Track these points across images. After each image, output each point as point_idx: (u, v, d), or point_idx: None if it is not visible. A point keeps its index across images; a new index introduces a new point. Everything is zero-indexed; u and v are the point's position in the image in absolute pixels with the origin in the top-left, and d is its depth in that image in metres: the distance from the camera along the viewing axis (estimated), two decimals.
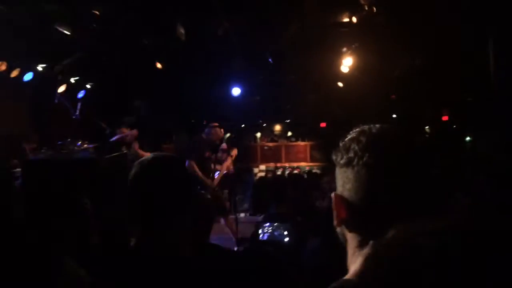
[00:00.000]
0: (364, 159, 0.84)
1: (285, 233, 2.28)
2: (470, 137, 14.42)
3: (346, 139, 0.91)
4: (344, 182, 0.88)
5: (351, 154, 0.87)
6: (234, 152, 6.63)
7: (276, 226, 2.24)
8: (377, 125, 0.92)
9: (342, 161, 0.89)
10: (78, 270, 1.76)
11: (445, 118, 12.59)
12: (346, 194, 0.87)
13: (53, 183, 2.75)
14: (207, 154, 6.09)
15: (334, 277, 0.90)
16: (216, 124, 6.26)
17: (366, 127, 0.91)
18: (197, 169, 5.79)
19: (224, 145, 6.53)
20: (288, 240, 2.40)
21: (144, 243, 1.42)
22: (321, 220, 2.96)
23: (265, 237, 2.40)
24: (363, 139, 0.87)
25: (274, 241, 2.35)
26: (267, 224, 2.19)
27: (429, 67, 8.43)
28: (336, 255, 2.43)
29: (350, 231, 0.89)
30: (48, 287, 1.61)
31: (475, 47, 7.16)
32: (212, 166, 6.08)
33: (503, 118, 4.14)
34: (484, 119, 10.40)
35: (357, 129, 0.91)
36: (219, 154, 6.38)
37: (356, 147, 0.87)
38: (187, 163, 5.89)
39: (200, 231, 1.50)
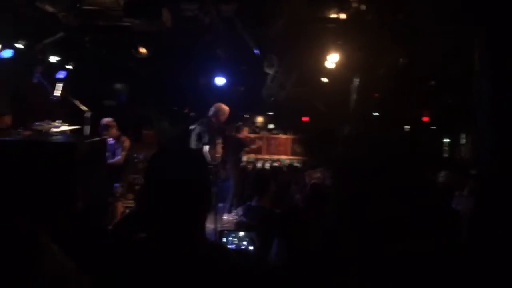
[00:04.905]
0: None
1: (250, 242, 2.30)
2: (449, 139, 14.68)
3: None
4: None
5: None
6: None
7: (241, 236, 2.25)
8: None
9: None
10: (65, 261, 1.71)
11: (425, 119, 12.75)
12: None
13: (25, 167, 2.66)
14: (217, 141, 5.93)
15: (294, 275, 0.92)
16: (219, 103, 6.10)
17: None
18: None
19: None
20: (253, 249, 2.42)
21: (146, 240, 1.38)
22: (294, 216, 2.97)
23: (232, 246, 2.41)
24: None
25: (240, 250, 2.36)
26: (233, 234, 2.21)
27: (412, 67, 8.51)
28: (296, 253, 2.44)
29: None
30: (27, 279, 1.57)
31: (459, 49, 7.25)
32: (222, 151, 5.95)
33: (481, 123, 4.18)
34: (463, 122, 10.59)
35: None
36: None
37: None
38: (204, 148, 5.75)
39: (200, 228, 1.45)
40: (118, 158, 6.86)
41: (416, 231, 0.92)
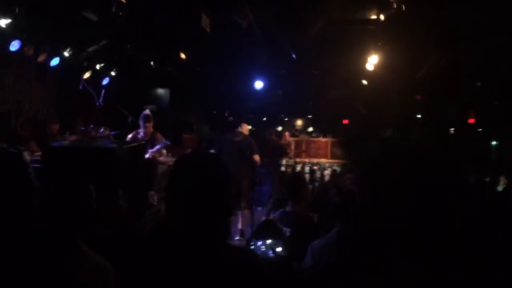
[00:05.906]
0: None
1: (278, 250, 2.27)
2: (496, 141, 14.07)
3: None
4: None
5: None
6: None
7: (269, 244, 2.23)
8: None
9: None
10: (104, 262, 1.79)
11: (471, 121, 12.27)
12: None
13: (71, 170, 2.78)
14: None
15: (346, 270, 0.89)
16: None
17: None
18: None
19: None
20: (280, 256, 2.39)
21: (164, 239, 1.41)
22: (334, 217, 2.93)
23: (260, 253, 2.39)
24: None
25: (267, 258, 2.34)
26: (260, 242, 2.19)
27: (456, 67, 8.22)
28: (345, 249, 2.39)
29: None
30: (71, 279, 1.64)
31: (505, 48, 6.96)
32: None
33: None
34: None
35: None
36: None
37: None
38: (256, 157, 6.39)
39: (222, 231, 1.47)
40: (158, 147, 6.76)
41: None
